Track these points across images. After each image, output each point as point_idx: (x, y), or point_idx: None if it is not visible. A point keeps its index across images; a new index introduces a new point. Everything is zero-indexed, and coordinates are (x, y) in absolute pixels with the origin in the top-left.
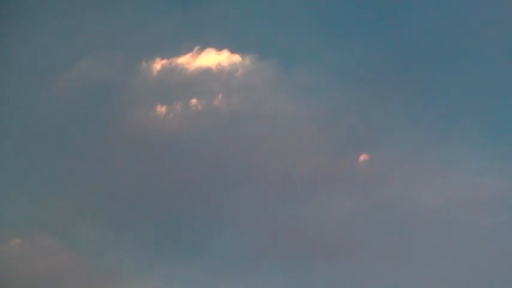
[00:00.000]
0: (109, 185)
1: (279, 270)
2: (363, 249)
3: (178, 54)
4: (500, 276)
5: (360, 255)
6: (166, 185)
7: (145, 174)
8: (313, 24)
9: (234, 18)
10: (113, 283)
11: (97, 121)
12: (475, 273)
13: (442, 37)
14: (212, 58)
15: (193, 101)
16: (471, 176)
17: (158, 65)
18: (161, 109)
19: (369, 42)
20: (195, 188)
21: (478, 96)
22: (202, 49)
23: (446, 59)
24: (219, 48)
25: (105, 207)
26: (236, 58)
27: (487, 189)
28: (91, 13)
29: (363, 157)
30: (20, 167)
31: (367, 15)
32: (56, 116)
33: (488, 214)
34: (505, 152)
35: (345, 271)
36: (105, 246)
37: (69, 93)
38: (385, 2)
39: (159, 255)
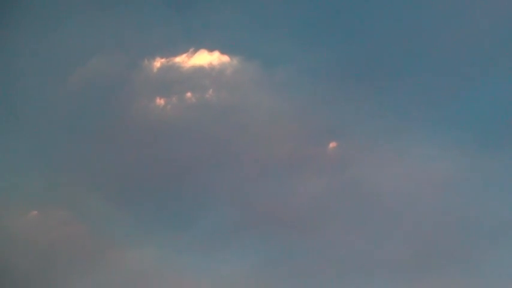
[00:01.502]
0: (114, 165)
1: (259, 241)
2: (331, 223)
3: (176, 54)
4: (448, 243)
5: (328, 228)
6: (163, 165)
7: (145, 156)
8: (290, 32)
9: (224, 25)
10: (115, 250)
11: (105, 110)
12: (428, 242)
13: (398, 44)
14: (204, 58)
15: (188, 94)
16: (424, 160)
17: (158, 63)
18: (160, 101)
19: (337, 48)
20: (188, 168)
21: (430, 93)
22: (196, 50)
23: (403, 62)
24: (211, 49)
25: (110, 183)
26: (225, 58)
27: (438, 172)
28: (101, 18)
29: (332, 144)
30: (38, 148)
31: (335, 25)
32: (71, 105)
33: (438, 193)
34: (453, 141)
35: (314, 241)
36: (108, 217)
37: (82, 85)
38: (349, 14)
39: (155, 226)
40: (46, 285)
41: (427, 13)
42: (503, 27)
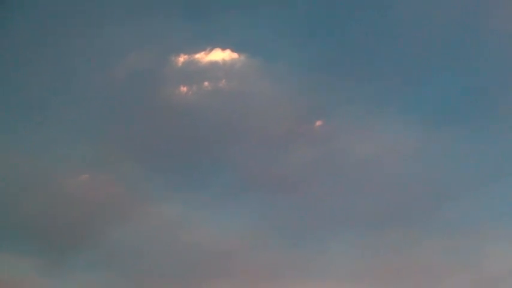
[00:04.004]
0: (147, 138)
1: (259, 199)
2: (316, 186)
3: (196, 51)
4: (410, 201)
5: (314, 190)
6: (185, 139)
7: (171, 131)
8: (285, 34)
9: (234, 29)
10: (147, 205)
11: (140, 94)
12: (394, 201)
13: (372, 44)
14: (219, 55)
15: (205, 83)
16: (392, 135)
17: (182, 58)
18: (183, 88)
19: (323, 46)
20: (204, 142)
21: (398, 82)
22: (212, 49)
23: (376, 58)
24: (223, 48)
25: (144, 152)
26: (235, 55)
27: (403, 144)
28: (137, 24)
29: (318, 122)
30: (89, 124)
31: (321, 28)
32: (114, 90)
33: (403, 161)
34: (415, 120)
35: (302, 200)
36: (142, 180)
37: (123, 74)
38: (332, 20)
39: (178, 187)
40: (94, 233)
41: (395, 19)
42: (462, 24)
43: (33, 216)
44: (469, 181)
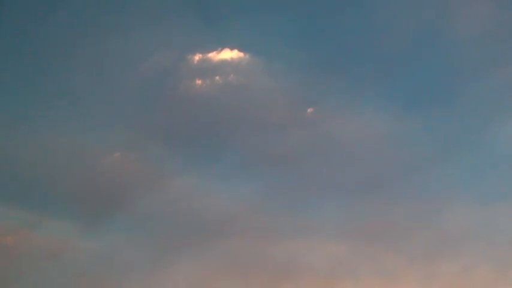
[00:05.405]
0: (169, 122)
1: (262, 173)
2: (309, 162)
3: (209, 51)
4: (386, 174)
5: (307, 165)
6: (200, 122)
7: (189, 116)
8: (283, 37)
9: (241, 32)
10: (168, 178)
11: (163, 87)
12: (374, 174)
13: (355, 45)
14: (228, 54)
15: (217, 77)
16: (372, 120)
17: (197, 57)
18: (199, 81)
19: (315, 47)
20: (215, 124)
21: (377, 76)
22: (222, 49)
23: (359, 56)
24: (232, 48)
25: (165, 134)
26: (241, 54)
27: (380, 128)
28: (160, 28)
29: (309, 110)
30: (121, 111)
31: (313, 32)
32: (142, 83)
33: (380, 141)
34: (392, 106)
35: (297, 173)
36: (164, 157)
37: (148, 70)
38: (323, 25)
39: (194, 163)
40: (125, 201)
41: (373, 25)
42: (430, 26)
43: (75, 187)
44: (432, 157)
